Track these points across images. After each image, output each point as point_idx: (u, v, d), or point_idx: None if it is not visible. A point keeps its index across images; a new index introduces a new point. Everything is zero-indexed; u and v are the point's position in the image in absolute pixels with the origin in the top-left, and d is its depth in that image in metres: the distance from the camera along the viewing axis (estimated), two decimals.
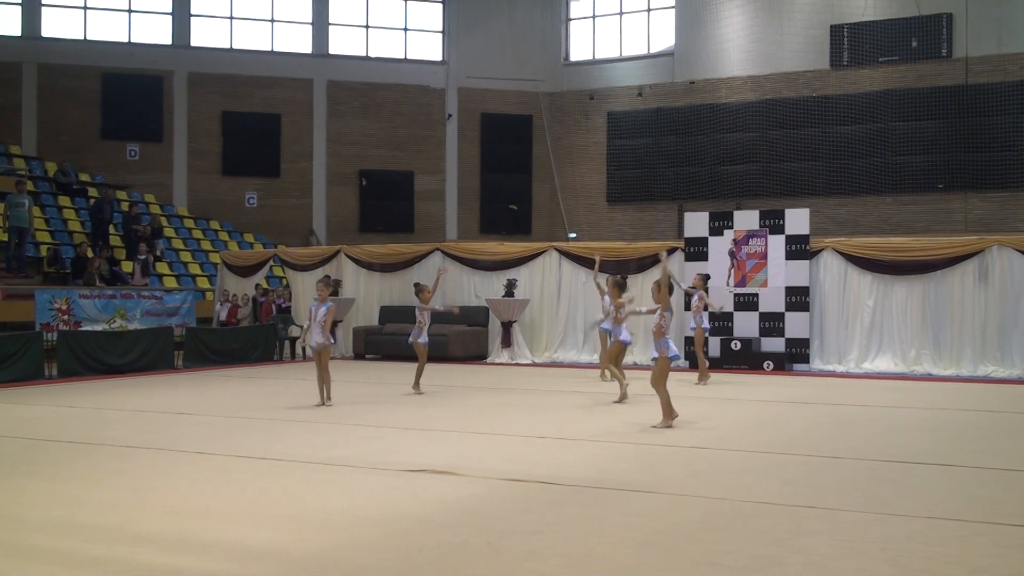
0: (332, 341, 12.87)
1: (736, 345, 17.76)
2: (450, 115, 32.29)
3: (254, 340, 20.25)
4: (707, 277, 16.25)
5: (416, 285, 14.53)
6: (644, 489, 7.17)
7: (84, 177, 27.94)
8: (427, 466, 8.03)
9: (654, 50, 31.86)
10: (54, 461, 8.57)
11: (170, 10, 30.46)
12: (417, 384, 13.84)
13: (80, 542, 5.80)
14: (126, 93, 29.46)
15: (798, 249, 17.81)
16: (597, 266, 16.05)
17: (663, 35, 31.66)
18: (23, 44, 29.04)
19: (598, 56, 32.77)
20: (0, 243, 22.59)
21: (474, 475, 7.69)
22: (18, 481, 7.69)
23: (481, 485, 7.36)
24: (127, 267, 23.22)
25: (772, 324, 17.88)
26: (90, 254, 22.42)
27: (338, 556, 5.50)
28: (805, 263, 17.77)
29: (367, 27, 32.34)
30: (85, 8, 29.86)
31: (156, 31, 30.46)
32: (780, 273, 17.86)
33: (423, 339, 13.80)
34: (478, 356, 20.18)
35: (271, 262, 23.15)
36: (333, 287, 20.83)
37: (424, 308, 13.86)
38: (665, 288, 10.26)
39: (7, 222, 21.44)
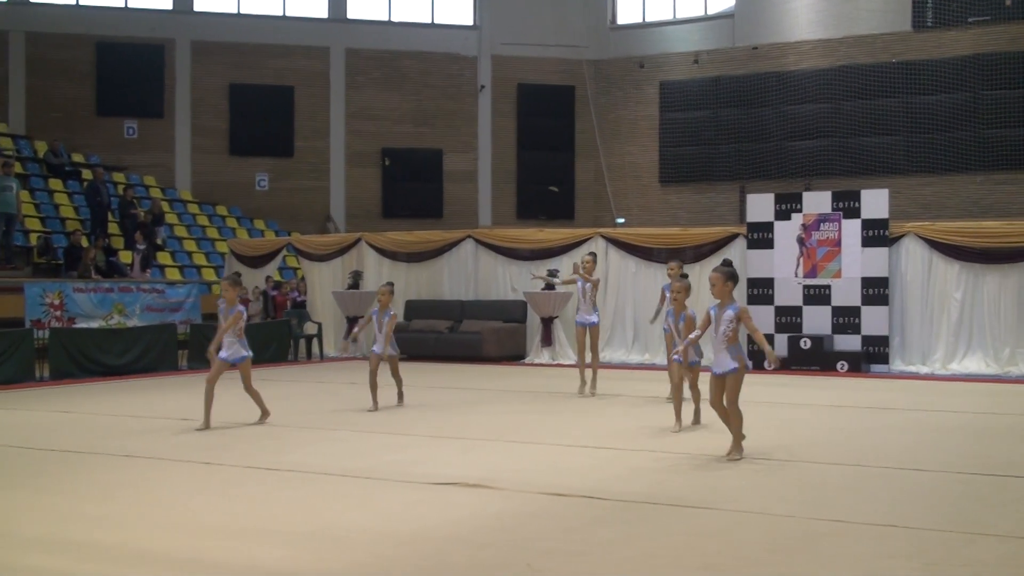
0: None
1: (806, 343, 17.66)
2: (483, 86, 32.29)
3: (266, 338, 20.35)
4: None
5: (388, 285, 13.50)
6: (701, 505, 7.15)
7: (77, 157, 28.21)
8: (458, 478, 8.05)
9: (712, 11, 31.70)
10: (46, 472, 8.68)
11: None
12: (400, 396, 13.21)
13: (75, 561, 5.87)
14: (123, 64, 29.70)
15: (876, 235, 17.65)
16: (569, 277, 15.65)
17: None
18: (9, 10, 29.38)
19: (648, 18, 32.66)
20: None
21: (510, 489, 7.70)
22: (7, 493, 7.79)
23: (518, 500, 7.37)
24: (125, 257, 23.45)
25: (846, 320, 17.75)
26: (85, 243, 22.66)
27: (359, 573, 5.53)
28: (884, 251, 17.61)
29: None
30: None
31: None
32: (855, 262, 17.72)
33: (393, 349, 13.02)
34: (515, 356, 20.19)
35: (284, 251, 23.29)
36: (353, 280, 21.10)
37: (384, 311, 12.93)
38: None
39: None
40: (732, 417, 8.92)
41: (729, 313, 8.94)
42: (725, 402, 8.90)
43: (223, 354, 11.52)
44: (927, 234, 17.68)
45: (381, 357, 12.77)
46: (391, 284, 13.49)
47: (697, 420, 10.97)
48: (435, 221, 29.71)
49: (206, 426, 11.18)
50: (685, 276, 12.46)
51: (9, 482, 8.25)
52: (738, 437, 8.94)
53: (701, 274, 18.96)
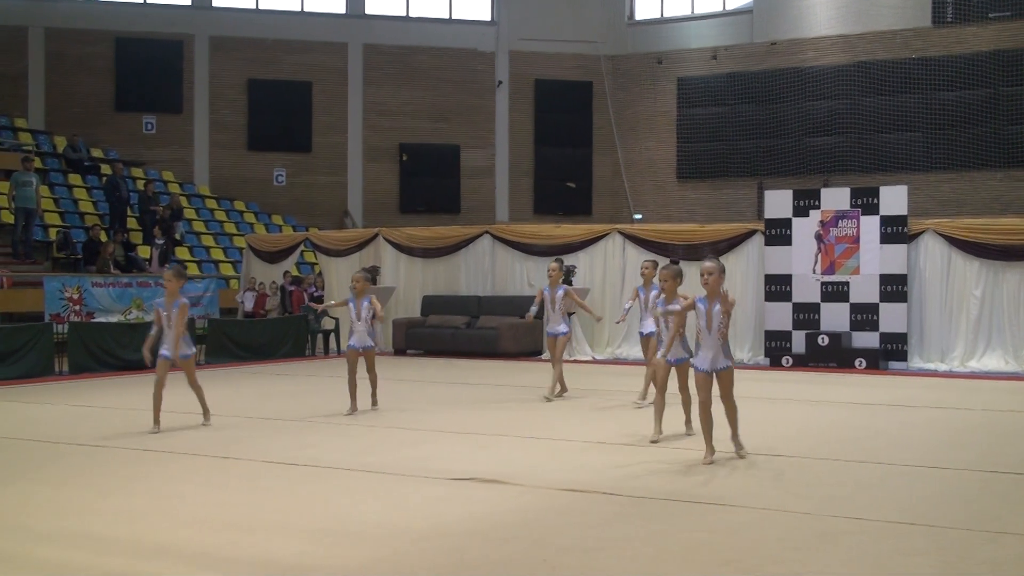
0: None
1: (823, 340, 17.60)
2: (500, 82, 32.29)
3: (283, 333, 20.43)
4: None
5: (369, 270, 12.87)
6: (720, 502, 7.13)
7: (96, 153, 28.34)
8: (475, 474, 8.04)
9: (730, 7, 31.63)
10: (65, 465, 8.72)
11: None
12: (375, 399, 12.38)
13: (93, 555, 5.89)
14: (142, 60, 29.80)
15: (895, 232, 17.57)
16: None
17: None
18: (28, 6, 29.48)
19: (667, 14, 32.60)
20: (6, 226, 23.03)
21: (527, 484, 7.69)
22: (26, 487, 7.83)
23: (535, 496, 7.36)
24: (144, 252, 23.54)
25: (865, 317, 17.68)
26: (104, 238, 22.76)
27: (377, 572, 5.53)
28: (903, 247, 17.52)
29: None
30: None
31: None
32: (874, 259, 17.64)
33: (371, 340, 12.28)
34: (532, 352, 20.18)
35: (302, 247, 23.33)
36: (371, 275, 21.07)
37: (361, 301, 12.19)
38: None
39: (12, 203, 21.82)
40: (731, 412, 8.71)
41: (719, 307, 8.60)
42: (722, 398, 8.62)
43: (165, 352, 10.68)
44: (946, 231, 17.58)
45: (358, 352, 12.06)
46: (367, 270, 12.65)
47: (689, 428, 10.06)
48: (452, 217, 29.76)
49: (156, 428, 10.62)
50: (676, 262, 11.13)
51: (27, 475, 8.28)
52: (736, 429, 8.77)
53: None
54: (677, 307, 9.21)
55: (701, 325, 8.60)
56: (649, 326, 11.91)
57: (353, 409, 11.87)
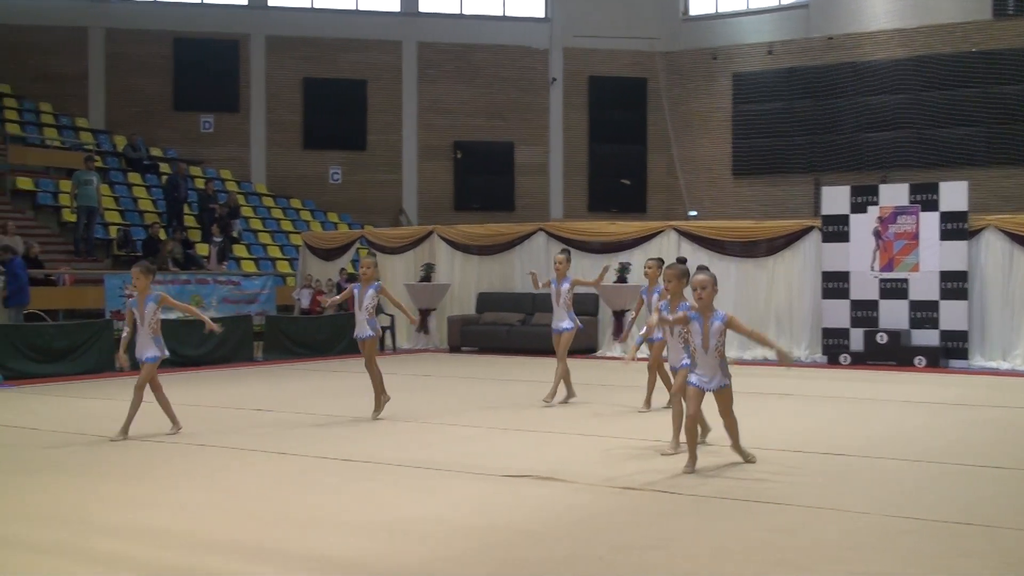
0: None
1: (882, 338, 17.41)
2: (554, 79, 32.26)
3: (339, 330, 20.56)
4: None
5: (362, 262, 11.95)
6: (776, 501, 7.08)
7: (155, 151, 28.71)
8: (529, 471, 8.04)
9: (786, 1, 31.33)
10: (125, 460, 8.84)
11: None
12: (380, 404, 11.48)
13: (153, 548, 5.97)
14: (199, 59, 30.15)
15: (955, 228, 17.33)
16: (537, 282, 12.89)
17: None
18: (89, 7, 29.90)
19: (721, 9, 32.38)
20: (68, 224, 23.40)
21: (581, 482, 7.68)
22: (86, 481, 7.95)
23: (589, 493, 7.35)
24: (202, 250, 23.80)
25: (924, 314, 17.46)
26: (163, 236, 23.04)
27: (432, 570, 5.55)
28: (963, 244, 17.29)
29: None
30: None
31: None
32: (934, 256, 17.43)
33: (372, 329, 11.41)
34: (587, 349, 20.12)
35: (357, 244, 23.46)
36: (426, 272, 21.20)
37: (366, 289, 11.41)
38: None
39: (75, 201, 22.17)
40: (731, 425, 8.29)
41: (718, 324, 7.92)
42: (721, 413, 8.20)
43: (137, 354, 10.02)
44: (1008, 227, 17.32)
45: (366, 342, 11.23)
46: (373, 255, 11.61)
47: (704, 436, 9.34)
48: (507, 214, 29.76)
49: (175, 428, 10.17)
50: (683, 261, 10.15)
51: (89, 470, 8.41)
52: (738, 439, 8.37)
53: (775, 268, 18.83)
54: (668, 318, 8.45)
55: (696, 344, 8.03)
56: (656, 332, 10.63)
57: (376, 407, 11.30)
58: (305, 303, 22.32)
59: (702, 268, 8.51)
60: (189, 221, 25.20)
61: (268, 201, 29.52)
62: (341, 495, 7.38)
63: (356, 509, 6.95)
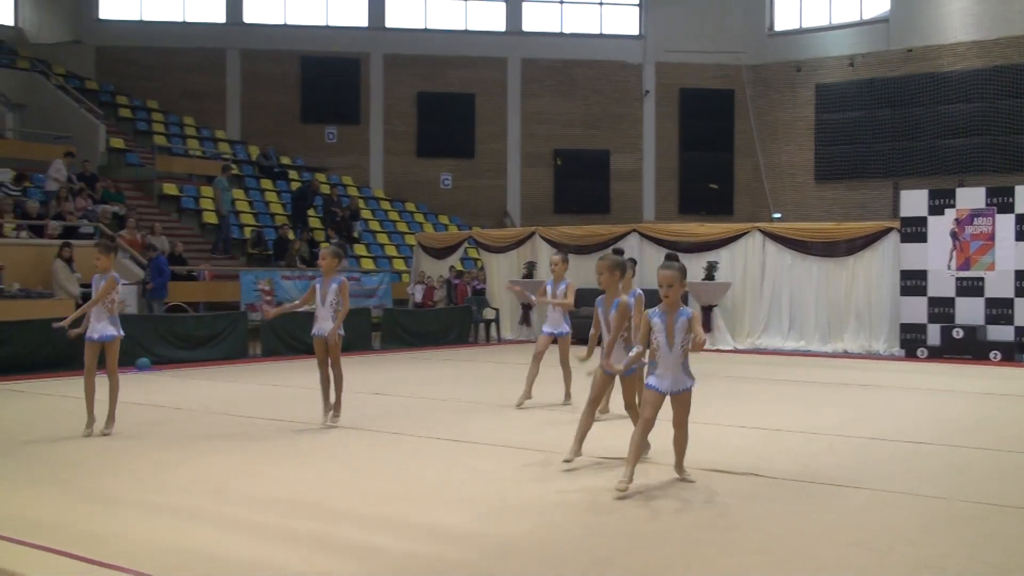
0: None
1: (958, 333, 16.99)
2: (647, 91, 32.10)
3: (450, 322, 20.79)
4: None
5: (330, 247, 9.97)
6: (852, 484, 6.99)
7: (285, 160, 29.31)
8: (621, 453, 8.00)
9: (867, 16, 30.71)
10: (261, 438, 9.01)
11: None
12: (333, 408, 9.74)
13: (284, 518, 6.11)
14: (324, 76, 30.71)
15: None
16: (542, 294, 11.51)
17: (877, 0, 30.49)
18: (226, 30, 30.66)
19: (805, 24, 31.86)
20: (208, 225, 24.03)
21: (668, 464, 7.64)
22: (227, 459, 8.15)
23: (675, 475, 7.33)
24: None
25: (1000, 311, 16.99)
26: (291, 236, 23.53)
27: (537, 539, 5.62)
28: None
29: (561, 2, 32.52)
30: None
31: (353, 14, 31.57)
32: (1009, 255, 16.95)
33: (329, 325, 9.60)
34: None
35: (466, 244, 23.64)
36: (528, 270, 21.28)
37: (328, 282, 9.66)
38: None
39: (220, 206, 22.81)
40: (682, 441, 7.17)
41: (683, 321, 6.84)
42: (675, 423, 7.09)
43: (91, 334, 8.96)
44: None
45: (327, 339, 9.53)
46: (337, 245, 10.15)
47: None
48: (602, 216, 29.69)
49: (90, 426, 9.07)
50: (620, 252, 9.13)
51: (228, 447, 8.63)
52: (682, 458, 7.21)
53: (855, 267, 18.49)
54: (638, 351, 7.14)
55: (660, 341, 6.87)
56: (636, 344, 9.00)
57: (325, 410, 9.68)
58: (419, 297, 22.59)
59: (670, 259, 7.16)
60: (314, 223, 25.67)
61: (385, 205, 29.91)
62: (450, 472, 7.47)
63: (464, 487, 7.02)
